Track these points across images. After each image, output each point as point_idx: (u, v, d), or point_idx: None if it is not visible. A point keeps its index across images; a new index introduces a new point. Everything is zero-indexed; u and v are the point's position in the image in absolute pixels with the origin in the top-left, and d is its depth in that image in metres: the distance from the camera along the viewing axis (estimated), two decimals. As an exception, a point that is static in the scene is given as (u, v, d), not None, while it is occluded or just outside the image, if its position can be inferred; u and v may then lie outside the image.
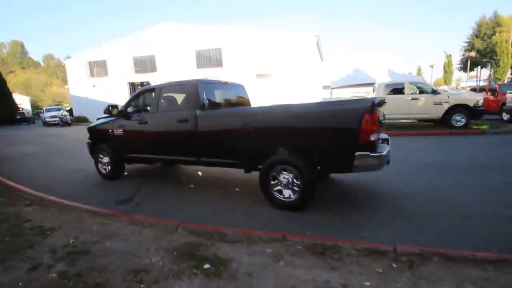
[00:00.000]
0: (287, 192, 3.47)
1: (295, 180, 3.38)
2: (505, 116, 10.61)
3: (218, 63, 18.72)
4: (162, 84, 4.70)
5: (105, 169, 5.46)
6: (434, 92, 9.44)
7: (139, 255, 2.56)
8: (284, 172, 3.45)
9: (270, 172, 3.52)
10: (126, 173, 5.53)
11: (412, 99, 9.54)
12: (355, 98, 17.83)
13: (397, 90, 9.90)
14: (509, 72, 29.02)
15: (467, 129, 8.96)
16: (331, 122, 3.09)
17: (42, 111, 27.21)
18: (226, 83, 4.93)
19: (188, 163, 4.48)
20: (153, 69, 20.45)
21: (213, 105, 4.39)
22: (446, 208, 3.35)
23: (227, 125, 3.83)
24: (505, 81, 24.70)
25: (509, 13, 46.72)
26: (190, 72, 18.97)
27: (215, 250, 2.61)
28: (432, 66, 40.50)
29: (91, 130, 5.67)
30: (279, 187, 3.52)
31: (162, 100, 4.63)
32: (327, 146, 3.17)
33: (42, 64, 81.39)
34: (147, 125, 4.64)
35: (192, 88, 4.23)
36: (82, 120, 22.31)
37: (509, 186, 4.03)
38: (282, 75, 16.92)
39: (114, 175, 5.38)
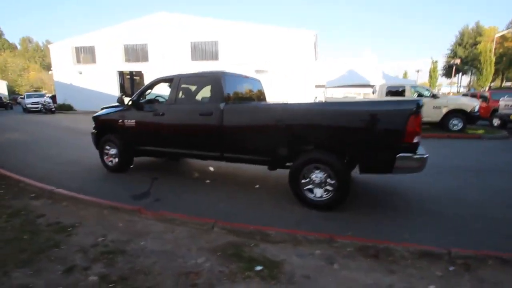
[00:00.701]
0: (318, 191, 3.39)
1: (328, 180, 3.31)
2: (496, 122, 11.11)
3: (214, 56, 18.33)
4: (181, 75, 4.46)
5: (111, 161, 5.16)
6: (434, 96, 9.69)
7: (181, 256, 2.40)
8: (317, 171, 3.37)
9: (302, 171, 3.42)
10: (132, 166, 5.26)
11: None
12: (348, 97, 17.98)
13: (398, 92, 10.08)
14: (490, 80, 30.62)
15: (463, 133, 9.30)
16: (375, 123, 3.02)
17: (23, 96, 25.57)
18: (247, 77, 4.76)
19: (208, 158, 4.30)
20: (144, 58, 19.71)
21: (237, 98, 4.23)
22: (473, 210, 3.40)
23: (258, 120, 3.69)
24: (486, 89, 26.02)
25: (490, 25, 49.16)
26: (185, 64, 18.47)
27: (261, 250, 2.50)
28: (418, 71, 41.97)
29: (97, 119, 5.32)
30: (309, 186, 3.43)
31: (181, 91, 4.39)
32: (368, 146, 3.11)
33: (19, 47, 76.60)
34: (163, 117, 4.39)
35: (216, 80, 4.04)
36: (66, 108, 21.20)
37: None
38: (279, 71, 16.81)
39: (122, 168, 5.10)
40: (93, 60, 21.20)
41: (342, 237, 2.62)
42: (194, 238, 2.69)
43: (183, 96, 4.40)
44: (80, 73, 21.32)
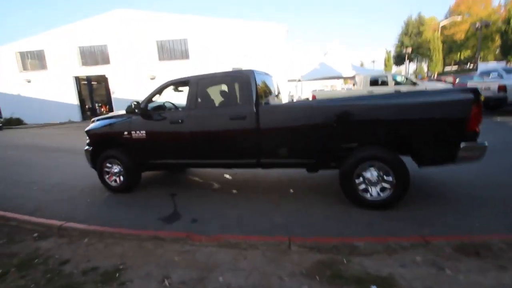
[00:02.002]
0: (374, 190, 3.24)
1: (384, 177, 3.17)
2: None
3: (184, 55, 17.37)
4: (199, 76, 3.95)
5: (114, 180, 4.47)
6: (414, 83, 10.22)
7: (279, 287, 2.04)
8: (372, 168, 3.20)
9: (355, 170, 3.23)
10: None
11: (395, 90, 10.19)
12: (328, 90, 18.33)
13: (382, 82, 10.46)
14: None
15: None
16: (437, 113, 2.93)
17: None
18: (266, 74, 4.42)
19: (242, 166, 3.90)
20: (105, 61, 17.96)
21: (265, 98, 3.88)
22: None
23: (302, 120, 3.39)
24: (436, 75, 28.73)
25: (430, 15, 54.09)
26: (152, 65, 17.25)
27: (359, 266, 2.24)
28: (373, 61, 44.79)
29: (93, 134, 4.55)
30: (363, 185, 3.26)
31: (202, 95, 3.90)
32: (431, 138, 3.01)
33: None
34: (183, 125, 3.87)
35: (246, 80, 3.64)
36: (15, 122, 18.54)
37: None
38: (255, 67, 16.49)
39: (129, 187, 4.45)
40: (43, 66, 18.76)
41: (433, 238, 2.47)
42: (276, 263, 2.34)
43: (206, 100, 3.91)
44: (29, 81, 18.74)
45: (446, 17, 44.35)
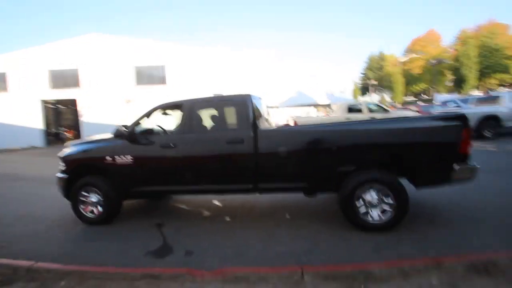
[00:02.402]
0: (375, 213, 3.22)
1: (384, 199, 3.18)
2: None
3: (161, 80, 17.23)
4: (193, 100, 3.83)
5: (91, 211, 4.02)
6: (386, 111, 10.94)
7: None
8: (372, 191, 3.20)
9: (355, 193, 3.21)
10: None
11: (370, 117, 10.80)
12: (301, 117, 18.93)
13: (356, 110, 11.07)
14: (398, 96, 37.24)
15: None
16: (433, 137, 3.07)
17: None
18: (259, 97, 4.42)
19: (238, 192, 3.72)
20: (75, 84, 17.18)
21: (260, 121, 3.84)
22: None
23: (301, 144, 3.36)
24: (400, 104, 31.49)
25: (391, 53, 60.25)
26: (128, 89, 16.81)
27: (379, 295, 2.12)
28: (342, 92, 47.86)
29: (69, 159, 4.12)
30: (364, 208, 3.24)
31: (196, 118, 3.75)
32: (428, 160, 3.11)
33: None
34: (175, 149, 3.65)
35: (244, 104, 3.59)
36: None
37: None
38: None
39: (108, 219, 4.01)
40: (3, 88, 17.47)
41: (444, 258, 2.45)
42: (290, 297, 2.14)
43: (200, 124, 3.76)
44: (-14, 105, 17.24)
45: (403, 54, 49.50)
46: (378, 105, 11.51)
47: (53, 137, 19.28)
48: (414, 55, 38.64)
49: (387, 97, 52.98)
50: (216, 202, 4.79)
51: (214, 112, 3.84)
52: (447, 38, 63.05)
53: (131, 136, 3.83)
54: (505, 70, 33.19)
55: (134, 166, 3.79)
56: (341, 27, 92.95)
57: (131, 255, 3.06)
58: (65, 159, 4.14)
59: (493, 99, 10.80)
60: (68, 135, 22.73)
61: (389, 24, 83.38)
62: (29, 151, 15.88)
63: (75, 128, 22.10)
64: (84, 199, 4.02)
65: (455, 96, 26.50)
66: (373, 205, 3.20)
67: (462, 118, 3.06)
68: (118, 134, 3.74)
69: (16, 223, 4.24)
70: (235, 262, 2.77)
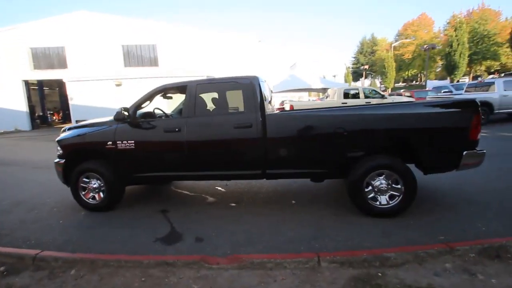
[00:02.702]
0: (383, 199, 3.25)
1: (393, 185, 3.20)
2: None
3: (153, 62, 16.61)
4: (198, 81, 3.67)
5: (93, 197, 3.91)
6: (383, 96, 10.96)
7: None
8: (380, 177, 3.21)
9: (365, 179, 3.22)
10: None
11: (366, 102, 10.81)
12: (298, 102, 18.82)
13: (353, 95, 11.03)
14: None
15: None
16: (442, 122, 3.05)
17: None
18: (263, 80, 4.29)
19: (245, 177, 3.67)
20: (62, 64, 16.38)
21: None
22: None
23: (311, 129, 3.30)
24: (390, 89, 31.65)
25: (382, 36, 59.84)
26: (116, 70, 16.15)
27: (396, 279, 2.16)
28: (335, 76, 47.76)
29: (66, 144, 3.95)
30: (372, 194, 3.26)
31: (201, 101, 3.62)
32: (435, 146, 3.12)
33: None
34: (180, 134, 3.53)
35: (251, 86, 3.47)
36: None
37: None
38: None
39: (111, 205, 3.92)
40: (-19, 67, 16.46)
41: (456, 244, 2.50)
42: (310, 283, 2.15)
43: (203, 107, 3.63)
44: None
45: (395, 39, 49.27)
46: (374, 91, 11.51)
47: (39, 120, 18.54)
48: (406, 40, 38.48)
49: (377, 82, 53.29)
50: (219, 188, 4.75)
51: (220, 94, 3.70)
52: (439, 23, 63.08)
53: (133, 120, 3.68)
54: (494, 57, 33.68)
55: (137, 151, 3.66)
56: (333, 9, 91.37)
57: (139, 242, 3.00)
58: (62, 144, 3.96)
59: (485, 86, 10.96)
60: (55, 118, 21.98)
61: (381, 6, 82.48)
62: (15, 135, 15.26)
63: (64, 111, 21.34)
64: (84, 185, 3.89)
65: (445, 82, 26.89)
66: (382, 190, 3.22)
67: (473, 104, 3.05)
68: (119, 118, 3.57)
69: (14, 210, 4.09)
70: (247, 248, 2.76)
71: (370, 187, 3.24)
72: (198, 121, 3.55)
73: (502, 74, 31.70)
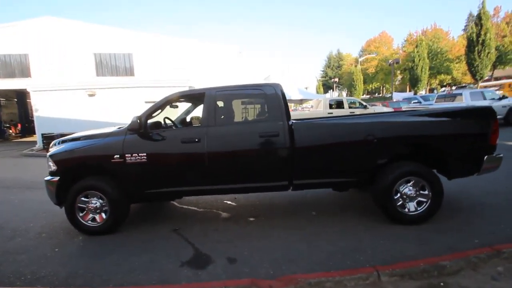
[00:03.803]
0: (411, 205, 3.25)
1: (420, 191, 3.22)
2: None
3: (128, 71, 15.82)
4: (217, 88, 3.45)
5: (93, 219, 3.44)
6: (365, 107, 11.45)
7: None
8: (409, 184, 3.22)
9: (394, 186, 3.20)
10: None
11: (350, 112, 11.21)
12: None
13: (337, 105, 11.39)
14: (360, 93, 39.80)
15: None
16: (467, 129, 3.17)
17: None
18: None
19: (271, 189, 3.46)
20: (25, 73, 14.93)
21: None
22: None
23: (340, 137, 3.23)
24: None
25: (347, 52, 63.84)
26: (87, 80, 15.10)
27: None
28: (307, 88, 49.35)
29: (65, 159, 3.44)
30: (400, 201, 3.25)
31: (222, 109, 3.40)
32: (460, 151, 3.20)
33: None
34: (199, 145, 3.26)
35: (275, 93, 3.34)
36: None
37: None
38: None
39: (114, 226, 3.48)
40: None
41: (501, 246, 2.53)
42: (377, 300, 2.00)
43: (225, 116, 3.41)
44: None
45: (359, 54, 52.71)
46: (358, 101, 12.02)
47: (-7, 134, 16.58)
48: (370, 55, 41.47)
49: (344, 94, 56.32)
50: (229, 202, 4.47)
51: (242, 102, 3.51)
52: (397, 40, 69.11)
53: (145, 130, 3.33)
54: (447, 71, 37.40)
55: (150, 165, 3.31)
56: (302, 24, 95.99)
57: (164, 269, 2.64)
58: (56, 159, 3.45)
59: (453, 97, 11.96)
60: (11, 132, 19.84)
61: (347, 22, 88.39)
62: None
63: (24, 123, 19.37)
64: (83, 205, 3.41)
65: (409, 94, 29.13)
66: (411, 197, 3.22)
67: (491, 111, 3.21)
68: (135, 128, 3.21)
69: (-7, 239, 3.44)
70: (290, 266, 2.55)
71: (398, 195, 3.23)
72: (220, 130, 3.31)
73: (454, 87, 35.32)
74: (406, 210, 3.24)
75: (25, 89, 13.06)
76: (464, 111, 3.39)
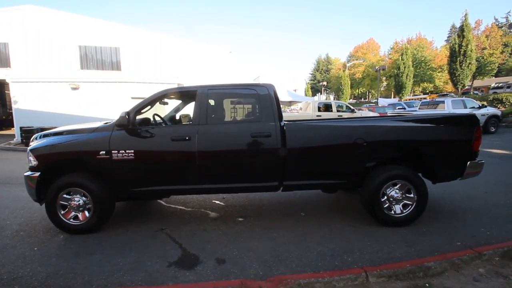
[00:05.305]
0: (397, 208, 3.33)
1: (406, 194, 3.31)
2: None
3: (115, 66, 15.39)
4: (209, 86, 3.40)
5: (75, 217, 3.31)
6: (353, 111, 11.67)
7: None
8: (395, 187, 3.30)
9: (381, 189, 3.27)
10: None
11: (338, 115, 11.39)
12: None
13: (326, 107, 11.54)
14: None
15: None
16: (452, 135, 3.28)
17: None
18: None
19: (260, 190, 3.44)
20: (4, 63, 14.22)
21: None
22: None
23: (332, 139, 3.26)
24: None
25: (335, 56, 65.00)
26: (71, 73, 14.58)
27: (444, 289, 2.16)
28: (295, 90, 49.78)
29: (47, 154, 3.28)
30: (387, 204, 3.32)
31: (214, 108, 3.35)
32: (445, 157, 3.31)
33: None
34: (190, 143, 3.20)
35: (268, 94, 3.33)
36: None
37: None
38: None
39: (99, 224, 3.36)
40: None
41: (482, 248, 2.63)
42: (365, 300, 2.03)
43: (216, 114, 3.36)
44: None
45: (347, 59, 53.79)
46: (345, 105, 12.24)
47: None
48: (357, 61, 42.42)
49: (331, 97, 57.29)
50: (217, 202, 4.42)
51: (234, 101, 3.49)
52: (384, 47, 71.07)
53: (133, 126, 3.23)
54: (430, 79, 38.76)
55: (137, 162, 3.22)
56: (293, 26, 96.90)
57: (150, 269, 2.57)
58: (37, 153, 3.29)
59: (435, 104, 12.41)
60: (-13, 124, 18.83)
61: (336, 28, 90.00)
62: None
63: (0, 115, 18.45)
64: (65, 203, 3.27)
65: (393, 100, 29.98)
66: (397, 200, 3.30)
67: (475, 118, 3.34)
68: (123, 123, 3.11)
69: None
70: (280, 267, 2.55)
71: (385, 197, 3.30)
72: (211, 129, 3.27)
73: (436, 94, 36.66)
74: (392, 212, 3.32)
75: (4, 80, 12.45)
76: (450, 118, 3.52)
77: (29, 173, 3.34)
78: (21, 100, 12.06)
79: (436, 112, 11.51)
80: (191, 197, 4.61)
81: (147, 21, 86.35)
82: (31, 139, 3.69)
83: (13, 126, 13.22)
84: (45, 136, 3.54)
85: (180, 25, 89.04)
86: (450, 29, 41.83)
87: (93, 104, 12.17)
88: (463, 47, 21.28)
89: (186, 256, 2.81)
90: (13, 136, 12.98)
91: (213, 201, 4.46)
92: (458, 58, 21.55)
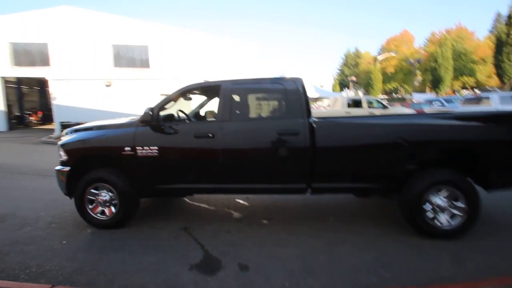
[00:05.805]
0: (443, 218, 2.94)
1: (453, 202, 2.91)
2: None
3: (144, 63, 15.87)
4: (233, 81, 3.24)
5: (102, 212, 3.33)
6: (385, 107, 10.96)
7: None
8: (441, 194, 2.91)
9: (423, 196, 2.90)
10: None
11: (369, 112, 10.77)
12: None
13: (355, 104, 10.96)
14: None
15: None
16: (507, 135, 2.83)
17: None
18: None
19: (287, 192, 3.24)
20: (44, 62, 15.23)
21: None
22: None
23: (368, 139, 2.96)
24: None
25: (365, 50, 62.11)
26: (105, 71, 15.25)
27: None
28: (322, 86, 48.43)
29: (76, 149, 3.35)
30: (431, 213, 2.94)
31: (239, 104, 3.19)
32: (503, 160, 2.87)
33: None
34: (214, 141, 3.07)
35: (296, 89, 3.09)
36: None
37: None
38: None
39: (123, 221, 3.36)
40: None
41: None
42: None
43: (241, 111, 3.20)
44: None
45: (379, 53, 51.11)
46: (377, 101, 11.54)
47: (15, 121, 17.10)
48: (390, 54, 40.10)
49: (360, 93, 54.93)
50: (241, 201, 4.28)
51: (259, 96, 3.29)
52: (418, 40, 66.76)
53: (157, 123, 3.17)
54: (470, 73, 35.67)
55: (161, 159, 3.15)
56: (319, 20, 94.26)
57: (171, 271, 2.48)
58: (68, 148, 3.36)
59: (479, 100, 11.27)
60: (33, 119, 20.45)
61: (365, 21, 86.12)
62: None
63: (44, 111, 19.92)
64: (92, 198, 3.31)
65: (429, 95, 28.00)
66: (442, 209, 2.91)
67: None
68: (147, 120, 3.06)
69: (1, 226, 3.40)
70: (308, 279, 2.33)
71: (428, 205, 2.93)
72: (235, 126, 3.11)
73: (477, 90, 33.66)
74: (437, 222, 2.93)
75: (45, 78, 13.35)
76: (502, 115, 3.04)
77: (59, 167, 3.42)
78: (60, 97, 12.84)
79: (482, 109, 10.47)
80: (214, 195, 4.52)
81: (171, 18, 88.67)
82: (62, 134, 3.79)
83: (52, 121, 14.14)
84: (75, 131, 3.61)
85: (205, 21, 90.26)
86: (495, 18, 37.92)
87: (125, 100, 12.64)
88: (511, 36, 19.20)
89: (208, 259, 2.70)
90: (53, 130, 13.91)
91: (237, 200, 4.32)
92: (505, 49, 19.48)
